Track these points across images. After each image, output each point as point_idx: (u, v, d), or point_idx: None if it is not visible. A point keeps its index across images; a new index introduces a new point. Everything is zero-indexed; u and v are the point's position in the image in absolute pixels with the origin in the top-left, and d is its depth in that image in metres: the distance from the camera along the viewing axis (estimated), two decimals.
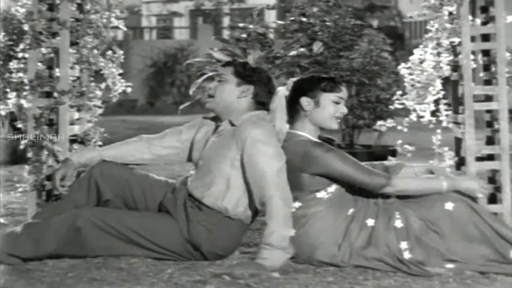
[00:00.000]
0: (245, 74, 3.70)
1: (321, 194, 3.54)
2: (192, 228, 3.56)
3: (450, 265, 3.41)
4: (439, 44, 4.07)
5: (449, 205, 3.44)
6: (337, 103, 3.61)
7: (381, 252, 3.42)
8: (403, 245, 3.41)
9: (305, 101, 3.60)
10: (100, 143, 4.30)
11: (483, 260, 3.41)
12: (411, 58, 4.13)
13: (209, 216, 3.58)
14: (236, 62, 3.77)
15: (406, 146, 4.15)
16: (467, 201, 3.47)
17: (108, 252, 3.55)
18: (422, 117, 4.10)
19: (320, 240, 3.50)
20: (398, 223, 3.44)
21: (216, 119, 3.78)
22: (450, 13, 4.04)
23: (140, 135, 3.90)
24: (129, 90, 4.36)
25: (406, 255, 3.40)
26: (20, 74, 4.14)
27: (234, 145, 3.56)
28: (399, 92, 4.18)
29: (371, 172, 3.52)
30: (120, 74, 4.35)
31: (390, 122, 4.39)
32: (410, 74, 4.11)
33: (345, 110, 3.65)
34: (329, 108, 3.60)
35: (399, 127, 4.17)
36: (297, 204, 3.55)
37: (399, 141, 4.18)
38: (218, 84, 3.71)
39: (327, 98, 3.61)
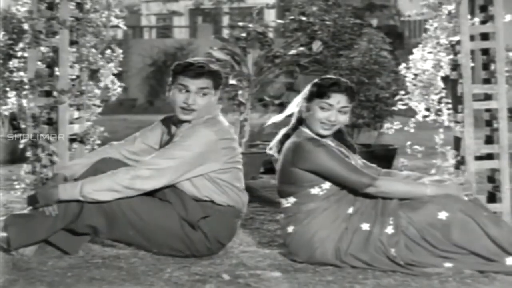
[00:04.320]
0: (220, 82, 3.76)
1: (315, 190, 3.54)
2: (188, 205, 3.60)
3: (449, 264, 3.41)
4: (438, 43, 4.06)
5: (442, 215, 3.41)
6: (323, 108, 3.56)
7: (375, 256, 3.42)
8: (392, 252, 3.40)
9: (302, 105, 3.62)
10: (99, 142, 4.30)
11: (480, 262, 3.41)
12: (411, 57, 4.11)
13: (202, 205, 3.63)
14: (213, 73, 3.71)
15: (416, 146, 4.13)
16: (464, 209, 3.42)
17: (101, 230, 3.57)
18: (427, 116, 4.07)
19: (319, 237, 3.49)
20: (390, 229, 3.43)
21: (173, 118, 3.78)
22: (449, 12, 4.04)
23: (110, 142, 3.88)
24: (119, 90, 4.35)
25: (399, 260, 3.40)
26: (20, 73, 4.14)
27: None
28: (402, 92, 4.16)
29: (357, 171, 3.52)
30: (119, 74, 4.35)
31: (397, 124, 4.37)
32: (412, 73, 4.10)
33: (332, 119, 3.55)
34: (315, 114, 3.57)
35: (406, 128, 4.15)
36: (292, 200, 3.57)
37: (408, 142, 4.16)
38: (201, 98, 3.68)
39: (315, 104, 3.57)
